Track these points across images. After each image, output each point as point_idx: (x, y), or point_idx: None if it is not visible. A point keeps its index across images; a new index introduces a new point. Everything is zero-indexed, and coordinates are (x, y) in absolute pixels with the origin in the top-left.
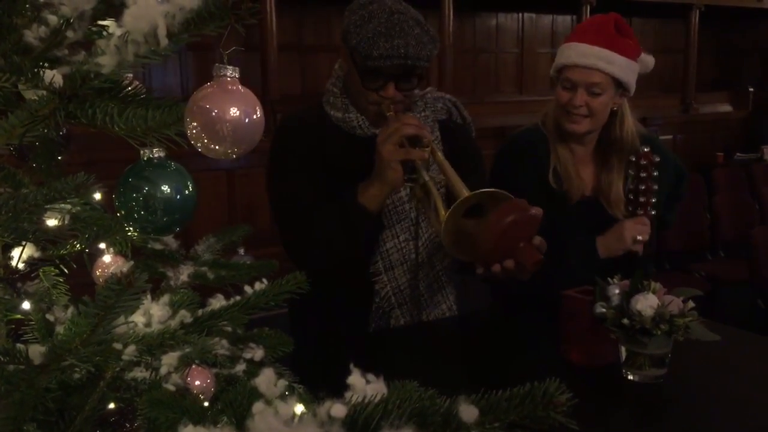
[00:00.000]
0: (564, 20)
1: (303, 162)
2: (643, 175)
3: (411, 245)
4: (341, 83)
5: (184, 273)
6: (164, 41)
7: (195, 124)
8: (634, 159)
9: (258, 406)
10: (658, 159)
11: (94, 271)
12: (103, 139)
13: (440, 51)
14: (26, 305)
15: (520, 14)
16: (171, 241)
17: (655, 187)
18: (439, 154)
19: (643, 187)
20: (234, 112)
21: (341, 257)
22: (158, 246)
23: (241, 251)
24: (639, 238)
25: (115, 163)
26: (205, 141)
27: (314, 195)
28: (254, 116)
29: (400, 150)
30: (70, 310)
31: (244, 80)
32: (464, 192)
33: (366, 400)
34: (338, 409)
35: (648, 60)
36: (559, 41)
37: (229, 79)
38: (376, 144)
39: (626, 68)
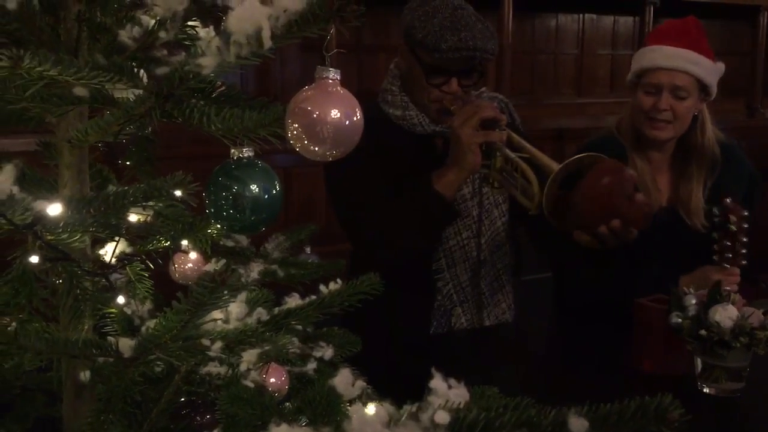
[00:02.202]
0: (626, 21)
1: (366, 157)
2: (734, 229)
3: (473, 243)
4: (399, 81)
5: (255, 270)
6: (268, 43)
7: (296, 125)
8: (718, 214)
9: (355, 408)
10: (746, 213)
11: (170, 266)
12: (178, 136)
13: (498, 52)
14: (121, 299)
15: (581, 15)
16: (241, 239)
17: (745, 239)
18: (515, 135)
19: (729, 244)
20: (335, 114)
21: (417, 251)
22: (230, 243)
23: (308, 250)
24: (728, 289)
25: (192, 160)
26: (305, 142)
27: (382, 189)
28: (354, 118)
29: (479, 133)
30: (147, 302)
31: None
32: (553, 164)
33: (464, 407)
34: (442, 416)
35: (719, 66)
36: (620, 43)
37: (330, 80)
38: (453, 128)
39: (711, 70)
